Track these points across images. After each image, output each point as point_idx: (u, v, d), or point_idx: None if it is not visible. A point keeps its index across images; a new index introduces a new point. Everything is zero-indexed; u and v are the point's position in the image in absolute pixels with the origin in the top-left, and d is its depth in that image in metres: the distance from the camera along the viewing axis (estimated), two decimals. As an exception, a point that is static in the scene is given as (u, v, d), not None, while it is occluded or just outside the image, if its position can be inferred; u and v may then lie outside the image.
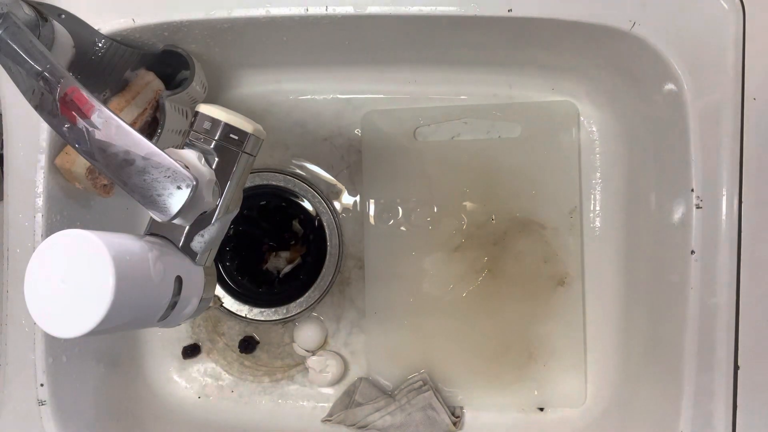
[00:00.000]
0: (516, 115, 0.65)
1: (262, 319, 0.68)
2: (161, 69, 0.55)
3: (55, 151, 0.53)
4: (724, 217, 0.50)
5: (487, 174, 0.65)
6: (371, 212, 0.67)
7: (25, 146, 0.52)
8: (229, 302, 0.68)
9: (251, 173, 0.67)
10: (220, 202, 0.42)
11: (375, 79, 0.66)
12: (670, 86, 0.52)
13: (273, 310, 0.67)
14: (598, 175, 0.65)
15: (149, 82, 0.53)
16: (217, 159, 0.42)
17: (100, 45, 0.50)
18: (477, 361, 0.65)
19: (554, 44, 0.57)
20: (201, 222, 0.42)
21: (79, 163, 0.52)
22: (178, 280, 0.40)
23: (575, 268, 0.65)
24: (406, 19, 0.52)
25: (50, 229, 0.53)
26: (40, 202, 0.52)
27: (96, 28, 0.50)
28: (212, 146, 0.42)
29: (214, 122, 0.42)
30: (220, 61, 0.61)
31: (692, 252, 0.51)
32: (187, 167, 0.37)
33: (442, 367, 0.66)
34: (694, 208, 0.50)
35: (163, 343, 0.68)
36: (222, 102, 0.67)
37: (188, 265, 0.42)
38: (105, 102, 0.52)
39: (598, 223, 0.66)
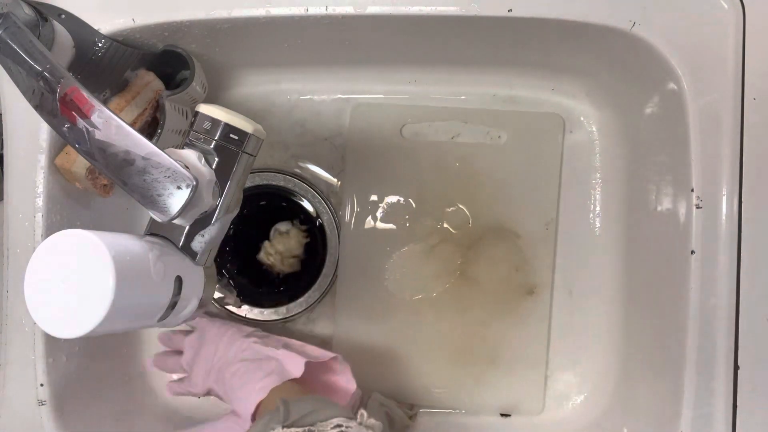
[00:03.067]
0: (504, 123, 0.65)
1: (262, 319, 0.67)
2: (161, 69, 0.55)
3: (55, 151, 0.53)
4: (724, 217, 0.50)
5: (469, 178, 0.66)
6: (350, 207, 0.66)
7: (25, 146, 0.52)
8: (229, 302, 0.68)
9: (251, 173, 0.67)
10: (220, 202, 0.42)
11: (375, 79, 0.66)
12: (670, 86, 0.52)
13: (273, 310, 0.67)
14: (598, 175, 0.65)
15: (149, 82, 0.53)
16: (217, 159, 0.42)
17: (100, 45, 0.50)
18: (442, 362, 0.66)
19: (554, 44, 0.57)
20: (201, 222, 0.42)
21: (79, 163, 0.52)
22: (178, 280, 0.40)
23: (545, 279, 0.65)
24: (406, 19, 0.52)
25: (50, 229, 0.53)
26: (40, 202, 0.52)
27: (96, 28, 0.50)
28: (212, 146, 0.42)
29: (214, 122, 0.42)
30: (220, 61, 0.61)
31: (692, 252, 0.51)
32: (187, 167, 0.37)
33: (407, 365, 0.66)
34: (694, 208, 0.50)
35: (163, 343, 0.68)
36: (222, 102, 0.67)
37: (188, 265, 0.42)
38: (105, 102, 0.52)
39: (598, 224, 0.66)
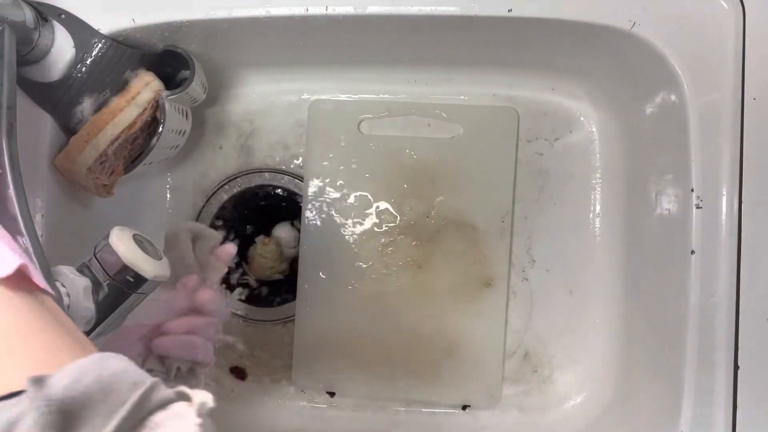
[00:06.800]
0: (460, 117, 0.65)
1: (262, 319, 0.68)
2: (161, 69, 0.55)
3: (55, 151, 0.53)
4: (724, 217, 0.50)
5: (428, 172, 0.66)
6: (309, 200, 0.66)
7: (25, 146, 0.52)
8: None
9: (252, 173, 0.67)
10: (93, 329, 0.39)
11: (375, 79, 0.66)
12: (670, 86, 0.52)
13: (273, 309, 0.67)
14: (598, 175, 0.65)
15: (149, 82, 0.53)
16: (106, 291, 0.39)
17: (100, 45, 0.50)
18: (403, 354, 0.66)
19: (554, 44, 0.57)
20: None
21: (79, 163, 0.52)
22: None
23: (502, 272, 0.65)
24: (406, 19, 0.52)
25: (50, 229, 0.53)
26: (40, 202, 0.52)
27: (96, 28, 0.50)
28: (105, 282, 0.39)
29: (116, 260, 0.39)
30: (220, 61, 0.61)
31: (692, 252, 0.51)
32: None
33: (368, 358, 0.66)
34: (694, 208, 0.50)
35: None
36: (222, 101, 0.67)
37: None
38: (105, 102, 0.52)
39: (598, 224, 0.65)
